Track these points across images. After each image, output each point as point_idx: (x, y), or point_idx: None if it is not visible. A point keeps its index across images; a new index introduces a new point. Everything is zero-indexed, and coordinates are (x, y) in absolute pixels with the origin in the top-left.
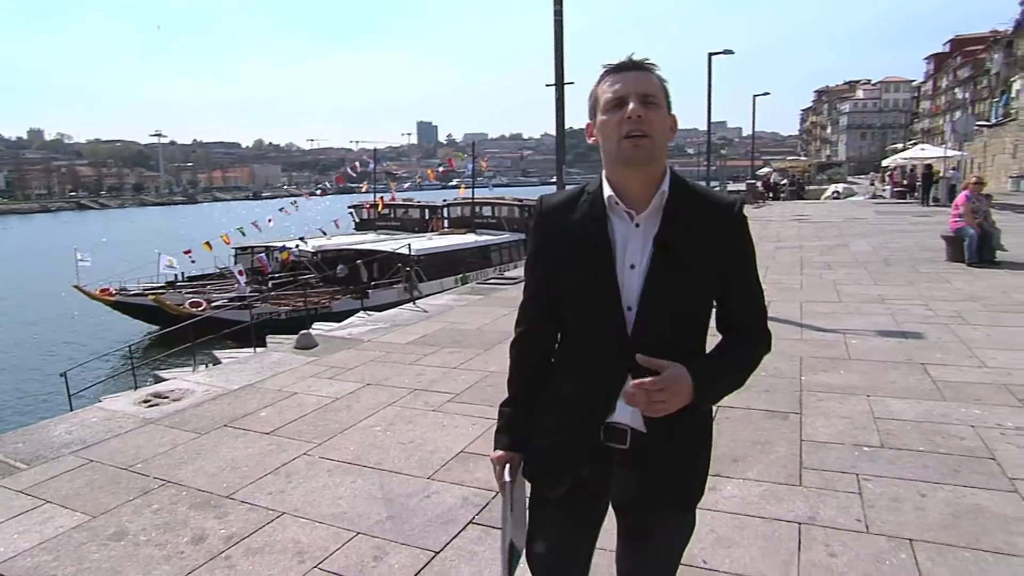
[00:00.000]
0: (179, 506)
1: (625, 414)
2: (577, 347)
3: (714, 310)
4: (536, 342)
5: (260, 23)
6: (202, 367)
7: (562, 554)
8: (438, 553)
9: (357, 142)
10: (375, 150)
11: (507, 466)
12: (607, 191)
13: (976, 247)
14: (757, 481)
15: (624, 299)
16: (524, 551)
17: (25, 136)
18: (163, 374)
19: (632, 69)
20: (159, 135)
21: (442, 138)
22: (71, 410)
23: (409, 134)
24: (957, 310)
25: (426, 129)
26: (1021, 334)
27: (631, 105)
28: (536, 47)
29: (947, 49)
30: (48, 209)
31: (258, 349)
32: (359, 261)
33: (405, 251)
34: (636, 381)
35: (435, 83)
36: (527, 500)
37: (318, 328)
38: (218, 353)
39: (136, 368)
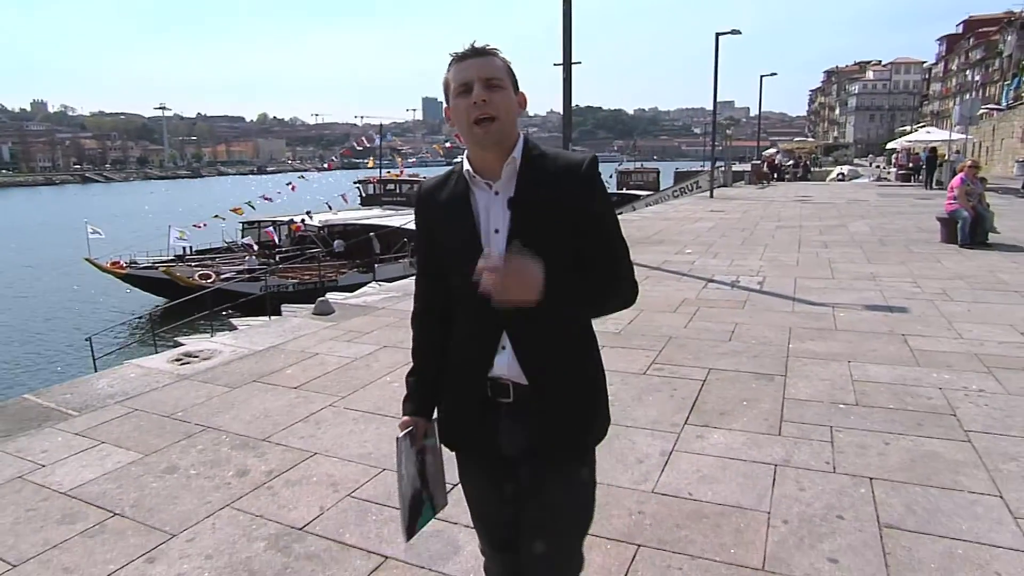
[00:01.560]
0: (221, 447)
1: (503, 367)
2: (461, 312)
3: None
4: (431, 314)
5: None
6: (219, 333)
7: (486, 506)
8: (456, 485)
9: (362, 117)
10: (381, 126)
11: (408, 429)
12: (466, 167)
13: (969, 229)
14: (741, 431)
15: None
16: (439, 510)
17: (28, 108)
18: (182, 339)
19: (474, 56)
20: (163, 108)
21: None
22: (96, 371)
23: (414, 110)
24: (943, 287)
25: (432, 105)
26: (999, 310)
27: (475, 91)
28: (543, 24)
29: (960, 30)
30: (52, 182)
31: (273, 317)
32: (372, 234)
33: (411, 227)
34: (487, 262)
35: (441, 59)
36: (444, 472)
37: (333, 297)
38: (234, 321)
39: (156, 334)
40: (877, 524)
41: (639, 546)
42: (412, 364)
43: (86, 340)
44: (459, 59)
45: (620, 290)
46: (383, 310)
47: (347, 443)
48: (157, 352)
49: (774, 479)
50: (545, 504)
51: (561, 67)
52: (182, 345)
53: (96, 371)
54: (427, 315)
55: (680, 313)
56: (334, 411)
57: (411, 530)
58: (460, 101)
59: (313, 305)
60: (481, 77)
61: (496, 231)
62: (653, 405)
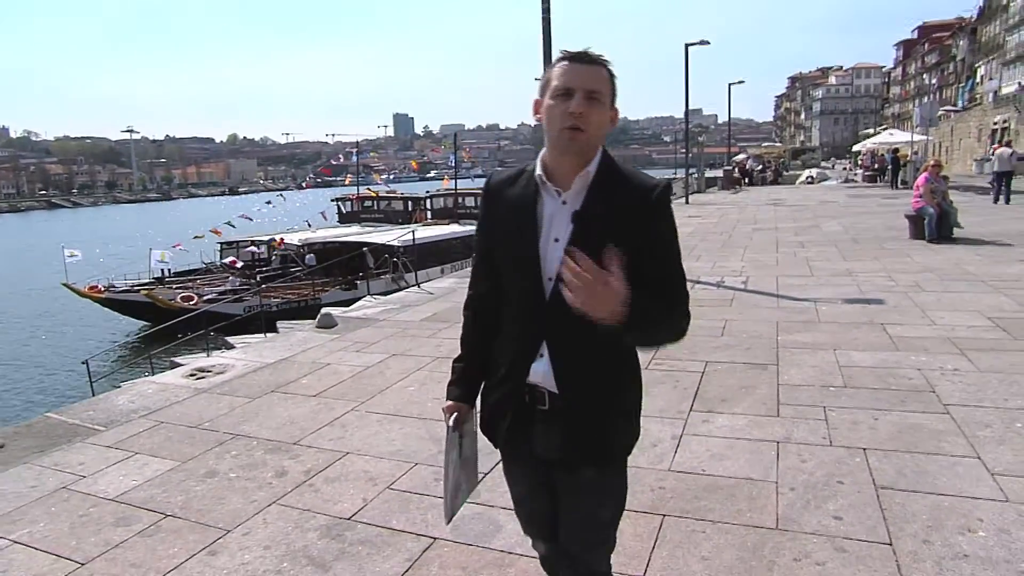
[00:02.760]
0: (255, 452)
1: (538, 375)
2: (508, 312)
3: None
4: (484, 304)
5: (229, 17)
6: (225, 350)
7: (527, 500)
8: (487, 473)
9: (333, 135)
10: (357, 143)
11: (454, 415)
12: (539, 170)
13: (935, 225)
14: (743, 415)
15: (545, 269)
16: (470, 493)
17: None
18: (178, 360)
19: (586, 62)
20: (131, 131)
21: (419, 130)
22: (93, 395)
23: (386, 126)
24: (915, 280)
25: (403, 121)
26: (967, 298)
27: (575, 100)
28: (512, 38)
29: (915, 36)
30: (18, 208)
31: (269, 334)
32: (365, 248)
33: (395, 243)
34: (573, 258)
35: (411, 75)
36: (477, 450)
37: (333, 310)
38: (230, 339)
39: (151, 356)
40: (873, 486)
41: (664, 516)
42: (460, 350)
43: (83, 363)
44: (570, 60)
45: (675, 320)
46: (384, 321)
47: (376, 442)
48: (154, 373)
49: (778, 454)
50: (576, 508)
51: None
52: (180, 365)
53: (93, 394)
54: (480, 301)
55: None
56: (357, 415)
57: (452, 513)
58: (557, 105)
59: (315, 319)
60: (585, 87)
61: (556, 240)
62: (659, 396)
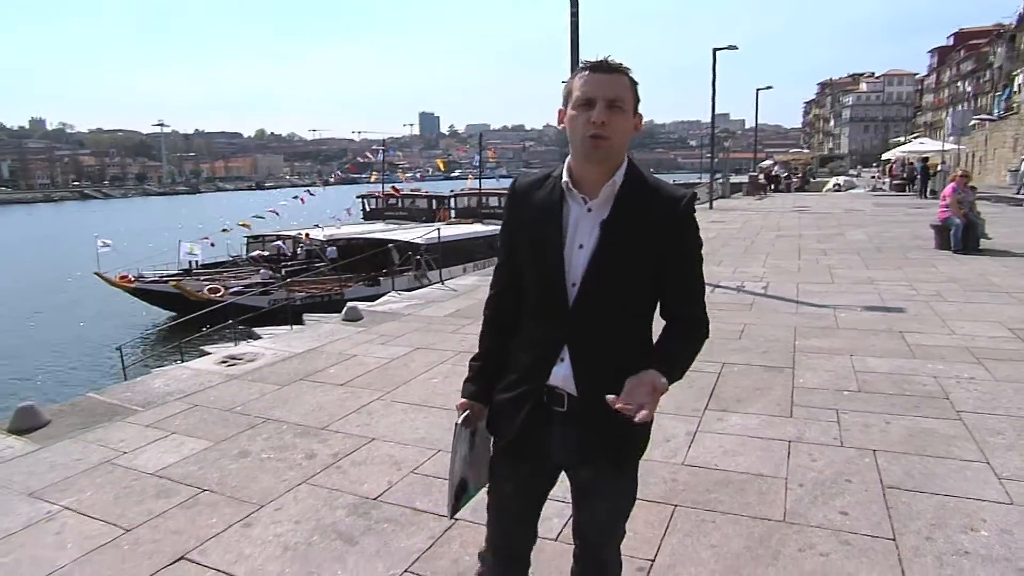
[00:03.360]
0: (285, 435)
1: (559, 378)
2: (529, 314)
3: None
4: (505, 304)
5: (262, 13)
6: (253, 340)
7: (514, 499)
8: None
9: (359, 132)
10: (383, 141)
11: (466, 412)
12: (564, 177)
13: (961, 235)
14: (756, 415)
15: (569, 275)
16: (478, 490)
17: (27, 125)
18: (207, 348)
19: (606, 71)
20: (162, 124)
21: (444, 129)
22: (126, 379)
23: (412, 125)
24: (937, 290)
25: (428, 120)
26: (989, 309)
27: (597, 110)
28: (539, 39)
29: (951, 42)
30: (51, 199)
31: (295, 326)
32: (390, 245)
33: (419, 240)
34: (619, 405)
35: (437, 74)
36: (491, 447)
37: (359, 304)
38: (256, 330)
39: (181, 345)
40: (880, 485)
41: (676, 506)
42: (478, 348)
43: (116, 349)
44: (591, 70)
45: (698, 336)
46: (410, 316)
47: (401, 430)
48: (183, 361)
49: (789, 452)
50: (596, 506)
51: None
52: (209, 354)
53: (126, 378)
54: (501, 301)
55: None
56: (383, 404)
57: (455, 508)
58: (580, 114)
59: (340, 313)
60: (606, 97)
61: (580, 247)
62: (674, 394)
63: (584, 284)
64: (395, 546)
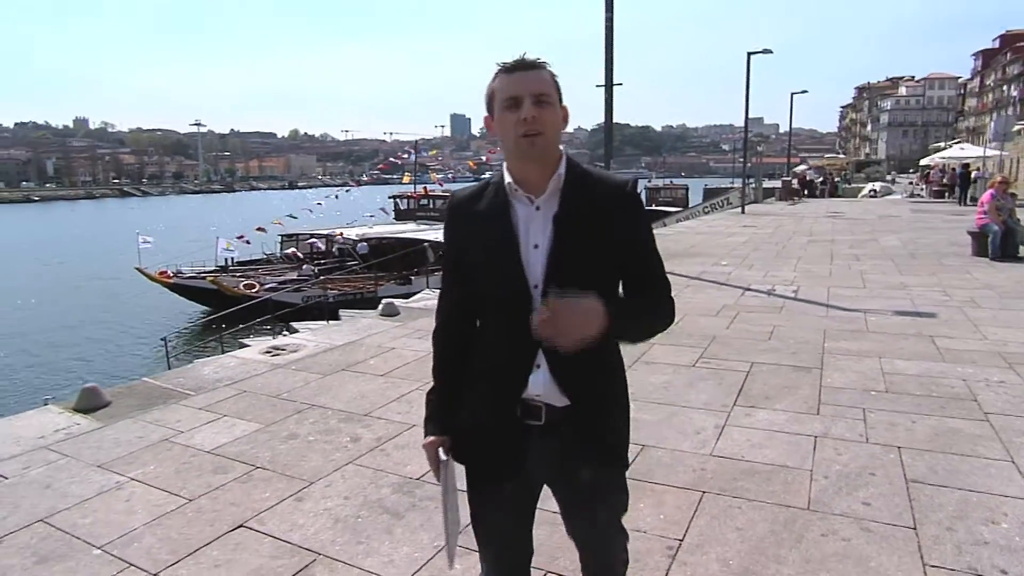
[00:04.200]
0: (330, 420)
1: (537, 387)
2: (491, 329)
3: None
4: (454, 332)
5: (296, 15)
6: (281, 336)
7: (500, 527)
8: None
9: (391, 134)
10: (416, 142)
11: (440, 449)
12: (507, 179)
13: (999, 242)
14: (784, 411)
15: (530, 277)
16: (460, 527)
17: (71, 125)
18: (246, 341)
19: (525, 69)
20: (199, 124)
21: (475, 131)
22: (169, 368)
23: (443, 126)
24: (971, 296)
25: (459, 121)
26: (1023, 316)
27: (525, 107)
28: (569, 40)
29: (996, 45)
30: (93, 195)
31: (331, 322)
32: (426, 243)
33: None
34: (545, 303)
35: (469, 75)
36: (457, 480)
37: (395, 301)
38: (294, 324)
39: (221, 337)
40: (904, 480)
41: (704, 492)
42: (434, 382)
43: (161, 340)
44: (508, 71)
45: (664, 310)
46: None
47: None
48: (223, 352)
49: (815, 447)
50: (592, 512)
51: (603, 87)
52: (249, 346)
53: (169, 367)
54: (451, 330)
55: (721, 317)
56: (421, 393)
57: (454, 553)
58: (508, 115)
59: (374, 309)
60: (531, 92)
61: (536, 246)
62: (704, 391)
63: (547, 283)
64: (438, 520)
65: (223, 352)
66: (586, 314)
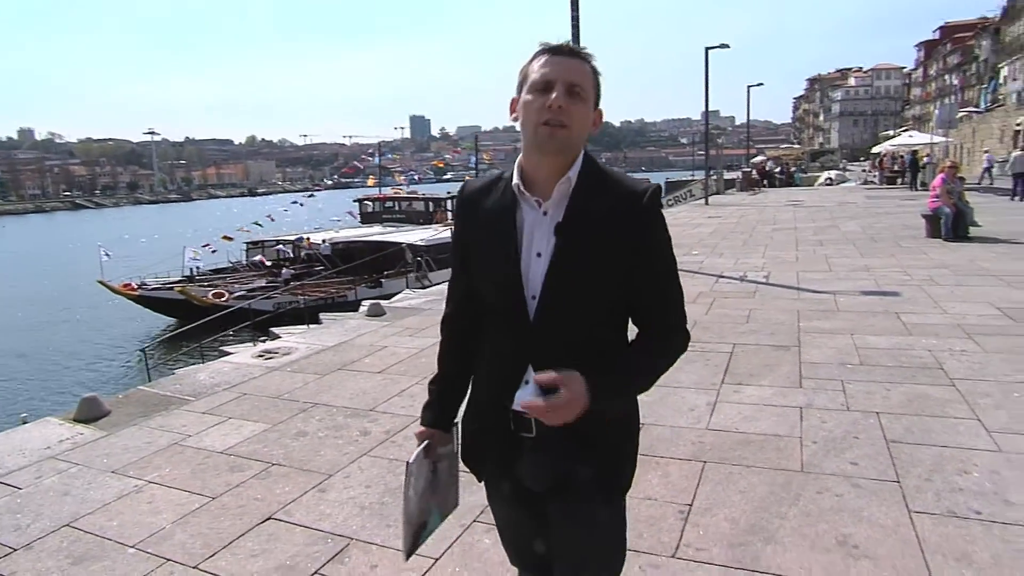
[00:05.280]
0: (336, 417)
1: (524, 397)
2: (489, 334)
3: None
4: (462, 322)
5: (249, 21)
6: (261, 342)
7: (513, 529)
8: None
9: (350, 137)
10: (379, 145)
11: (426, 442)
12: (515, 179)
13: (951, 224)
14: (769, 386)
15: (528, 287)
16: (445, 517)
17: (15, 136)
18: (227, 349)
19: (567, 55)
20: (152, 133)
21: (435, 131)
22: (150, 380)
23: (402, 128)
24: (930, 275)
25: (419, 123)
26: (978, 291)
27: (555, 94)
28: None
29: (937, 36)
30: (43, 209)
31: (311, 325)
32: (404, 245)
33: (419, 243)
34: (523, 402)
35: (427, 77)
36: (458, 474)
37: (380, 302)
38: (275, 330)
39: (201, 347)
40: (885, 440)
41: (705, 462)
42: (436, 370)
43: (140, 351)
44: (550, 52)
45: (672, 347)
46: (429, 311)
47: None
48: (204, 362)
49: (801, 417)
50: (569, 545)
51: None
52: (229, 354)
53: (150, 379)
54: (458, 319)
55: (699, 303)
56: (422, 387)
57: (413, 548)
58: (535, 98)
59: (363, 309)
60: (566, 80)
61: (538, 255)
62: (693, 372)
63: (544, 296)
64: (461, 502)
65: (203, 361)
66: (567, 403)
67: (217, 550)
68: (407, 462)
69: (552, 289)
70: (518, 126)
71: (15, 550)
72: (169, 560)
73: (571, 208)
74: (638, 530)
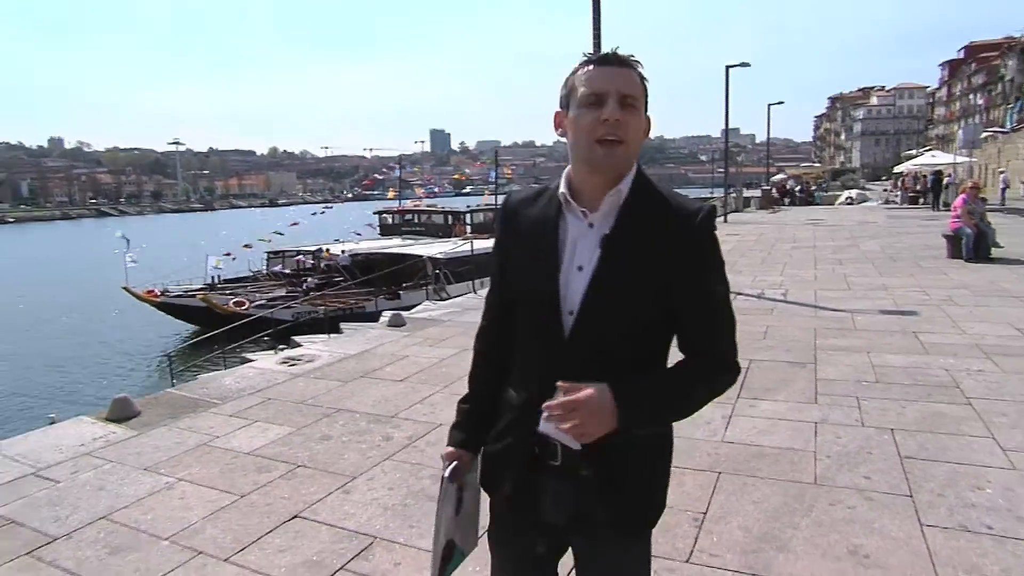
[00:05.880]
0: (359, 422)
1: (550, 426)
2: (521, 347)
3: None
4: (497, 336)
5: (271, 33)
6: (283, 348)
7: (513, 564)
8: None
9: (371, 150)
10: (400, 157)
11: (453, 463)
12: (562, 188)
13: (972, 245)
14: (784, 402)
15: (566, 302)
16: (466, 555)
17: (46, 145)
18: (249, 356)
19: (616, 64)
20: (177, 143)
21: (455, 145)
22: (173, 385)
23: (422, 141)
24: (949, 295)
25: (439, 137)
26: (998, 312)
27: (609, 107)
28: (549, 55)
29: (961, 56)
30: (69, 216)
31: (332, 335)
32: (425, 257)
33: (438, 255)
34: (547, 403)
35: (447, 91)
36: (479, 512)
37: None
38: (296, 338)
39: (224, 354)
40: (899, 456)
41: (720, 472)
42: (468, 387)
43: (165, 356)
44: (598, 63)
45: (715, 375)
46: (449, 322)
47: None
48: (227, 368)
49: (815, 431)
50: None
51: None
52: (249, 361)
53: (173, 384)
54: (492, 333)
55: None
56: (443, 396)
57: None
58: (587, 113)
59: (384, 319)
60: (619, 91)
61: (580, 268)
62: None
63: (582, 312)
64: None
65: (226, 368)
66: (594, 415)
67: (246, 545)
68: (443, 475)
69: (591, 304)
70: (565, 141)
71: (56, 539)
72: (201, 553)
73: (620, 221)
74: (653, 536)
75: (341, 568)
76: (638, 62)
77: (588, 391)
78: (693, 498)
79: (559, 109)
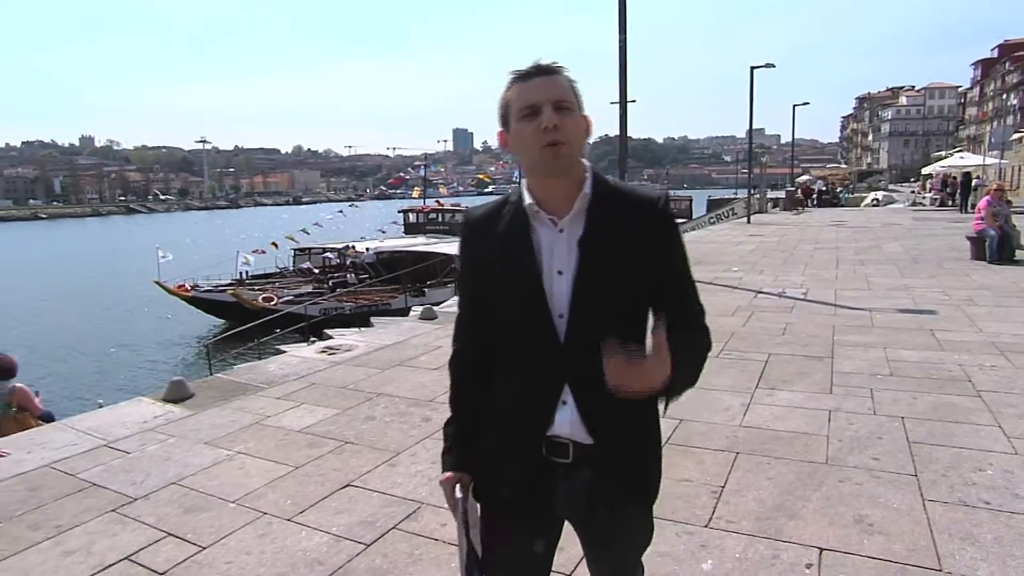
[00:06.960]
0: (399, 405)
1: (564, 424)
2: (512, 361)
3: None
4: (473, 359)
5: (297, 32)
6: (314, 341)
7: (513, 565)
8: None
9: (394, 148)
10: (425, 156)
11: (457, 485)
12: (527, 199)
13: (996, 247)
14: (801, 391)
15: (554, 306)
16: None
17: (77, 143)
18: (283, 347)
19: (541, 75)
20: (204, 141)
21: (478, 145)
22: (211, 374)
23: (445, 141)
24: (969, 295)
25: (462, 136)
26: (1016, 312)
27: (545, 114)
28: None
29: (995, 54)
30: (99, 213)
31: (363, 328)
32: (455, 255)
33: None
34: (610, 361)
35: (470, 89)
36: (478, 517)
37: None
38: (328, 331)
39: (260, 344)
40: (907, 441)
41: (737, 453)
42: (451, 412)
43: (204, 347)
44: (523, 78)
45: (705, 346)
46: None
47: None
48: (261, 359)
49: (829, 418)
50: (608, 557)
51: (618, 105)
52: (283, 352)
53: (211, 373)
54: (469, 360)
55: (737, 316)
56: None
57: None
58: (526, 125)
59: (419, 312)
60: (551, 99)
61: (560, 273)
62: (729, 376)
63: (573, 313)
64: None
65: (261, 359)
66: (652, 370)
67: (305, 508)
68: (457, 499)
69: (579, 304)
70: (511, 157)
71: (135, 499)
72: (266, 514)
73: (589, 222)
74: (674, 505)
75: (394, 527)
76: (563, 67)
77: (655, 352)
78: (712, 474)
79: (500, 129)
